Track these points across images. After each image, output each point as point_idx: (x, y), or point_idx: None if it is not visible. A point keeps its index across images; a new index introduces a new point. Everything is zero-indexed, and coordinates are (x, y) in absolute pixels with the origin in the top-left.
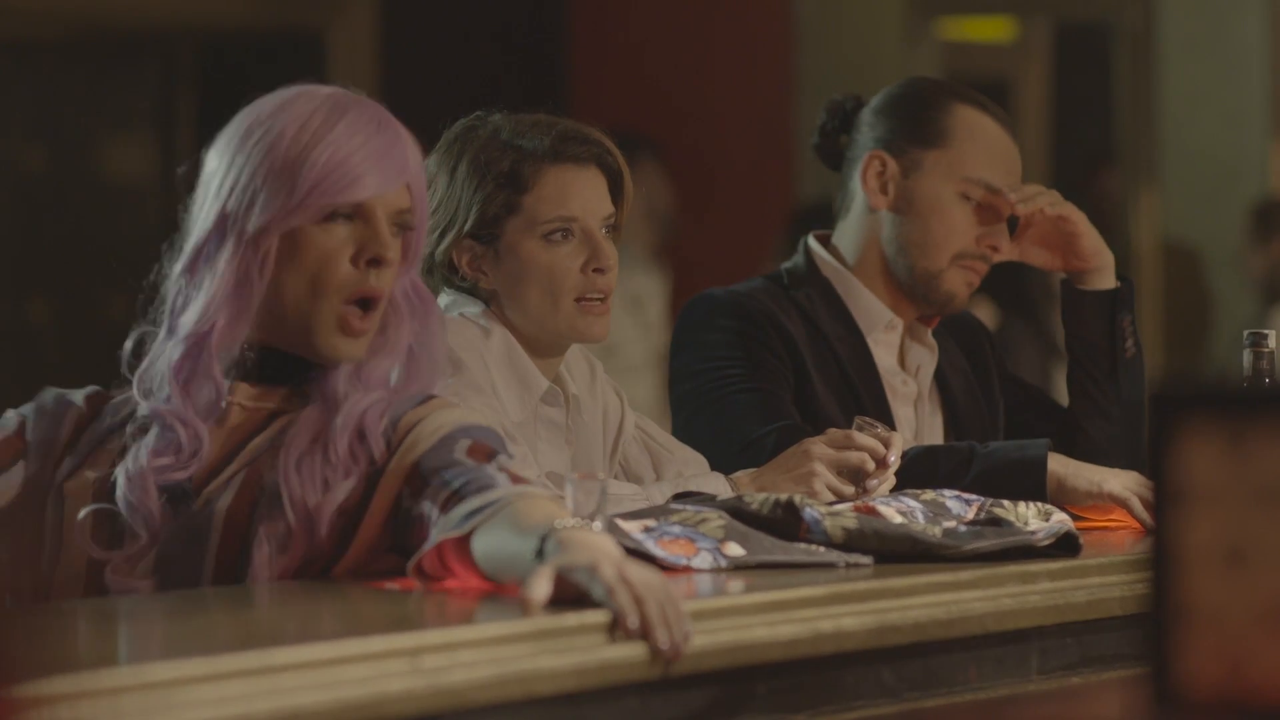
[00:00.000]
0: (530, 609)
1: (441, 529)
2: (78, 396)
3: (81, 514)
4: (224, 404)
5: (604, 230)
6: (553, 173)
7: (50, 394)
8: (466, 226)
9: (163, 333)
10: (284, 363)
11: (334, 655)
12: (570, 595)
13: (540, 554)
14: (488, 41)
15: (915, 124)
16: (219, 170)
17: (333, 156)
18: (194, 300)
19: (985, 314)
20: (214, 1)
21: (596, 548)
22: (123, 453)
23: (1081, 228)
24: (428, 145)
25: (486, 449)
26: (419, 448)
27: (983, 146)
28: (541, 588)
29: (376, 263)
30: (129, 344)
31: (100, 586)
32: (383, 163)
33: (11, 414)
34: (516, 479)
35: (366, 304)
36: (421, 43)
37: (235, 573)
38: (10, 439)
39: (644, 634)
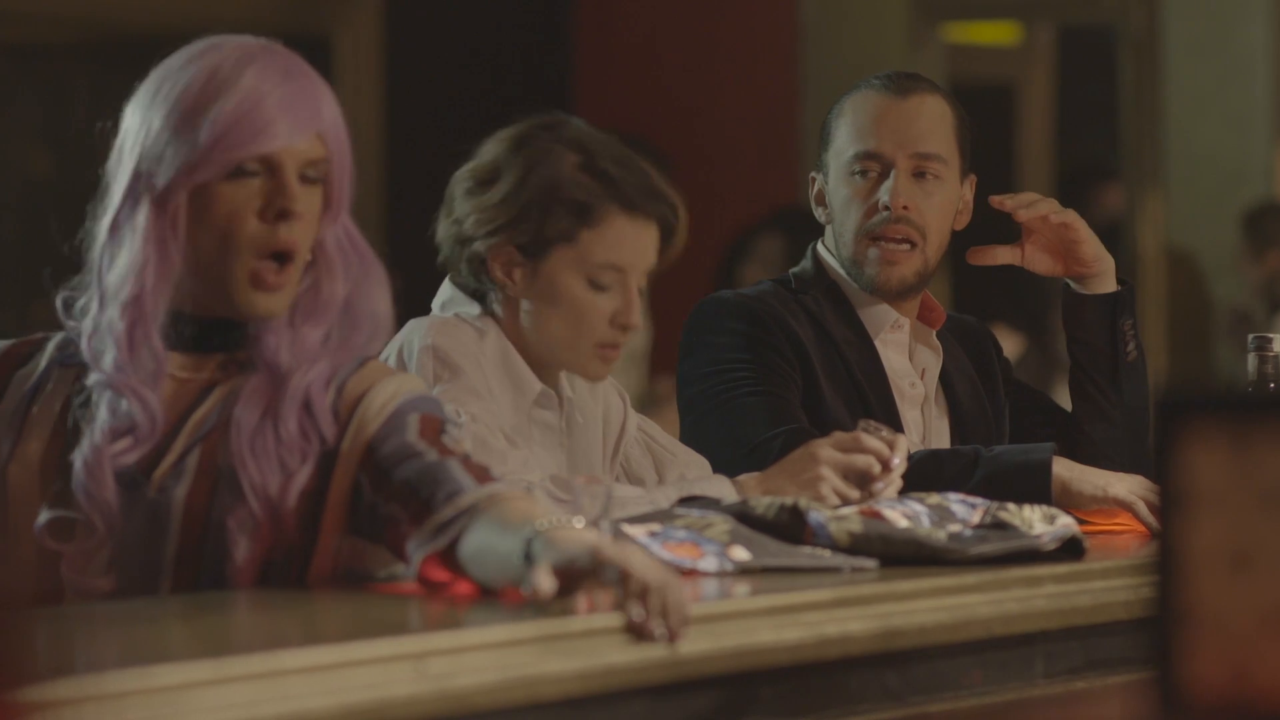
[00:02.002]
0: (542, 598)
1: (419, 543)
2: None
3: (41, 519)
4: (164, 373)
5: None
6: (619, 220)
7: None
8: (518, 237)
9: (95, 299)
10: (214, 330)
11: (339, 659)
12: (573, 587)
13: (527, 556)
14: (493, 45)
15: (823, 133)
16: (132, 127)
17: (238, 107)
18: (117, 262)
19: (1010, 343)
20: (221, 7)
21: (584, 538)
22: (62, 423)
23: (1083, 234)
24: (450, 150)
25: (435, 423)
26: (370, 427)
27: (858, 121)
28: (546, 582)
29: (284, 215)
30: (59, 303)
31: (50, 578)
32: (291, 112)
33: None
34: (480, 474)
35: (281, 258)
36: (427, 47)
37: (196, 563)
38: None
39: (640, 625)
